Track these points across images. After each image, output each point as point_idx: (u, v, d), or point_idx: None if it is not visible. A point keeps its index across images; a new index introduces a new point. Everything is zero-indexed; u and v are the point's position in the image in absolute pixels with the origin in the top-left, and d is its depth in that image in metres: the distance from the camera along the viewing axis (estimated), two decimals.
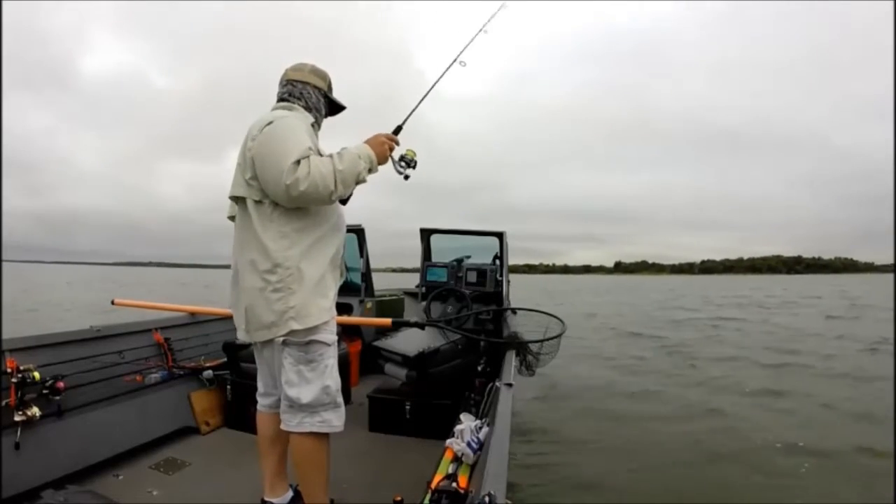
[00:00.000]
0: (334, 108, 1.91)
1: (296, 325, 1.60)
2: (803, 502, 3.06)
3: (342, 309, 3.87)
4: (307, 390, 1.65)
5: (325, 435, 1.71)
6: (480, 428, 1.92)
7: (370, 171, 1.68)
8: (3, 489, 1.85)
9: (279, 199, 1.56)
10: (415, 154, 1.82)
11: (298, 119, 1.67)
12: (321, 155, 1.64)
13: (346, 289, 4.24)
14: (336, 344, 1.75)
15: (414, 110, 1.94)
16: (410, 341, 2.94)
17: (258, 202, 1.62)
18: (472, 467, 1.77)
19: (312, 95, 1.79)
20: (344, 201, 1.78)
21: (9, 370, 2.00)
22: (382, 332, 3.39)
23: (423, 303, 3.99)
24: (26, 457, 1.97)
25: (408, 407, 2.81)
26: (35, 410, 2.00)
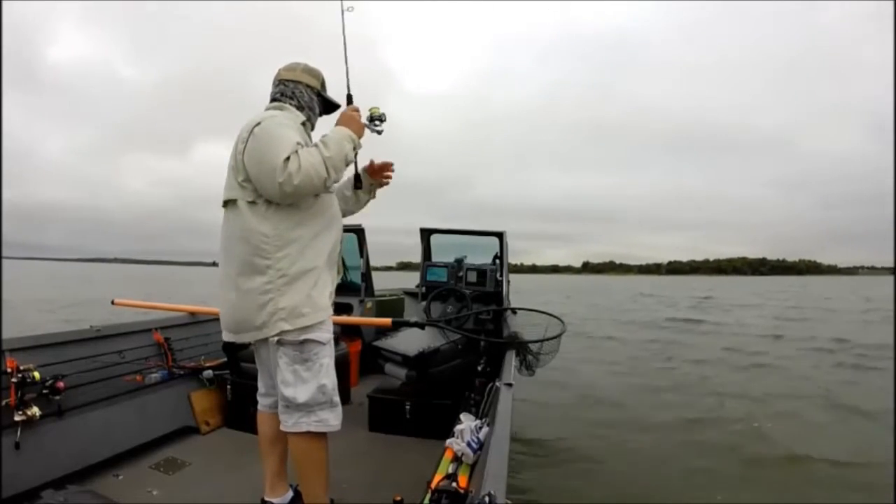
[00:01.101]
0: (329, 106, 1.91)
1: (286, 326, 1.60)
2: (803, 502, 3.06)
3: (342, 309, 3.87)
4: (303, 390, 1.65)
5: (324, 434, 1.71)
6: (480, 428, 1.92)
7: (355, 148, 1.73)
8: (3, 489, 1.85)
9: (275, 197, 1.58)
10: (379, 108, 1.85)
11: (286, 118, 1.68)
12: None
13: (346, 289, 4.24)
14: (332, 342, 1.74)
15: (347, 69, 1.90)
16: (410, 341, 2.94)
17: (252, 203, 1.62)
18: (472, 467, 1.77)
19: (305, 94, 1.80)
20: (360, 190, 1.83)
21: (9, 370, 2.00)
22: (382, 331, 3.39)
23: (423, 303, 3.99)
24: (26, 457, 1.96)
25: (408, 407, 2.81)
26: (35, 410, 2.00)
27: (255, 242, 1.60)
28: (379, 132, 1.86)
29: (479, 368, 2.96)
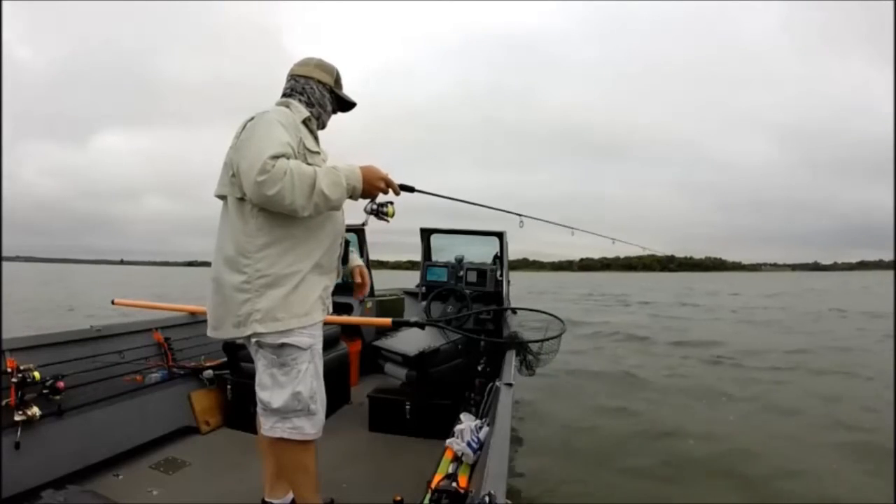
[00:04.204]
0: (344, 104, 1.85)
1: (260, 328, 1.54)
2: (802, 502, 3.06)
3: (342, 309, 3.87)
4: (278, 395, 1.59)
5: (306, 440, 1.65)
6: (480, 428, 1.92)
7: (352, 197, 1.60)
8: (3, 489, 1.85)
9: (249, 193, 1.48)
10: (392, 211, 1.69)
11: (282, 114, 1.60)
12: (309, 152, 1.60)
13: (347, 288, 4.24)
14: (315, 349, 1.64)
15: (437, 195, 1.91)
16: (410, 341, 2.94)
17: (240, 199, 1.57)
18: (472, 467, 1.77)
19: (315, 90, 1.75)
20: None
21: (9, 370, 2.00)
22: (382, 331, 3.39)
23: (423, 303, 3.99)
24: (26, 457, 1.97)
25: (408, 407, 2.81)
26: (35, 410, 2.00)
27: (238, 240, 1.56)
28: (379, 216, 1.69)
29: (479, 368, 2.96)
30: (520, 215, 2.34)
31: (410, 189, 1.76)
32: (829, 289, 33.22)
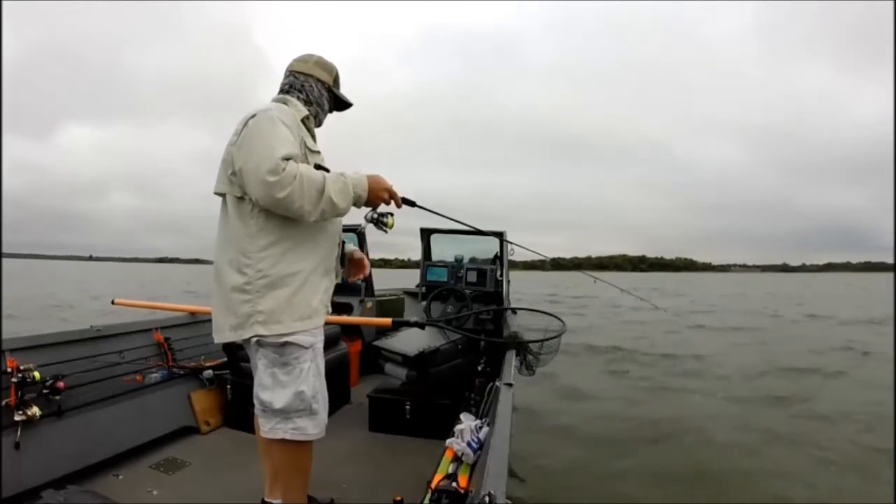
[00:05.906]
0: (340, 103, 1.83)
1: (262, 331, 1.51)
2: (803, 502, 3.06)
3: (342, 309, 3.87)
4: (280, 395, 1.56)
5: (306, 441, 1.63)
6: (480, 428, 1.92)
7: (356, 204, 1.59)
8: (3, 489, 1.85)
9: (255, 193, 1.44)
10: (392, 223, 1.70)
11: (283, 112, 1.57)
12: (310, 151, 1.59)
13: (346, 289, 4.25)
14: (317, 347, 1.62)
15: (436, 213, 1.92)
16: (410, 341, 2.94)
17: (239, 199, 1.54)
18: (472, 467, 1.77)
19: (315, 89, 1.72)
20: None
21: (9, 370, 2.00)
22: (382, 331, 3.39)
23: (423, 303, 3.99)
24: (26, 457, 1.97)
25: (408, 407, 2.82)
26: (35, 410, 2.00)
27: (239, 241, 1.53)
28: (379, 225, 1.71)
29: (479, 368, 2.96)
30: (512, 243, 2.42)
31: (412, 203, 1.76)
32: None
